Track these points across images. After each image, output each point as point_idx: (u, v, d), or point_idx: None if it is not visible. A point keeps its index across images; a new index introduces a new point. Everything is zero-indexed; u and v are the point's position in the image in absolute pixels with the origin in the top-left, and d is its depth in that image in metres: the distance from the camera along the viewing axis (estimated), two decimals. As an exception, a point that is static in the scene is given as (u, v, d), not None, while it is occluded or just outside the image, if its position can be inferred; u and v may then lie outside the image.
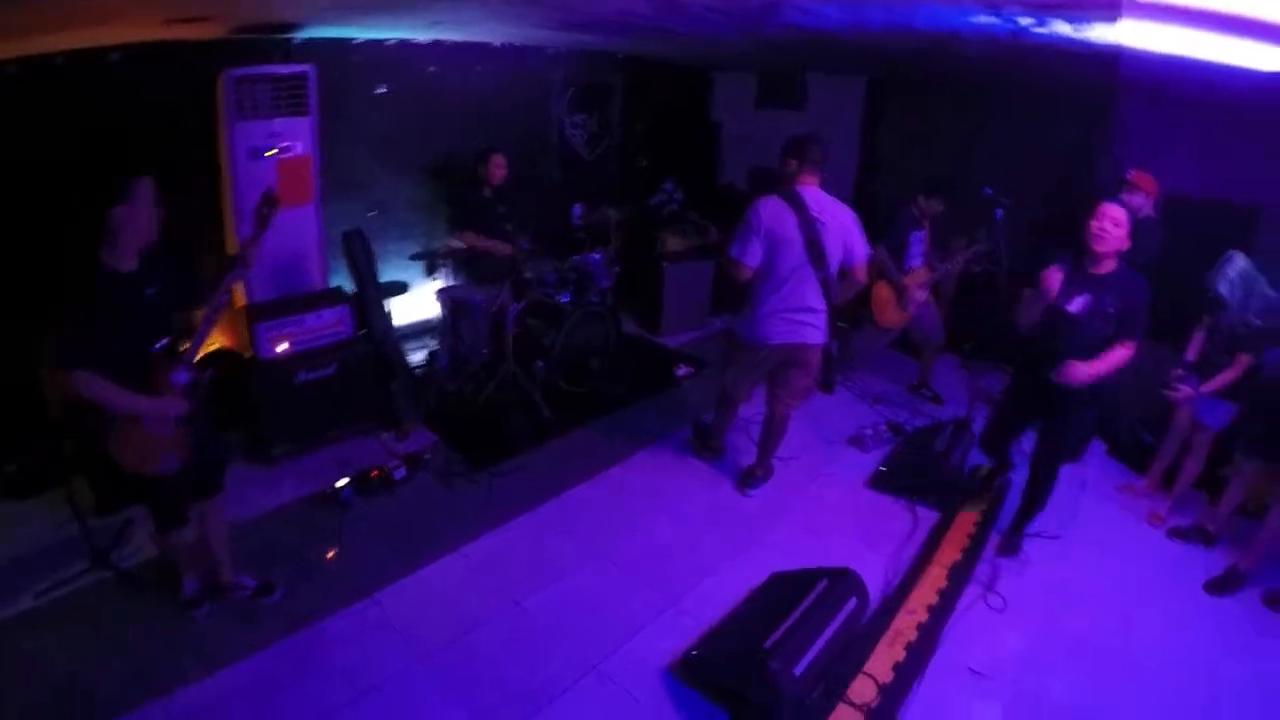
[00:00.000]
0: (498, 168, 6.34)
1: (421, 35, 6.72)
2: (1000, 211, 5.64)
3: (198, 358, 3.53)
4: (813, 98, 9.28)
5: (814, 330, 4.83)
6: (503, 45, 7.53)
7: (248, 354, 5.46)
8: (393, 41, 6.66)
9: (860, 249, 4.81)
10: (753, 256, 4.66)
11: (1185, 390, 4.88)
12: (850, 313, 7.01)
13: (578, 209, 7.51)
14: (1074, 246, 4.38)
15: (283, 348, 5.34)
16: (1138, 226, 5.27)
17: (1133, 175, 5.57)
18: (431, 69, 7.09)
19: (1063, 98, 6.97)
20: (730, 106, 10.20)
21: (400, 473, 5.20)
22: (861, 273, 4.89)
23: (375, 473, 5.14)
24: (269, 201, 3.64)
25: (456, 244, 6.15)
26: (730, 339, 5.25)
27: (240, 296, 5.60)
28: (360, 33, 6.28)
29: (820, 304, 4.78)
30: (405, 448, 5.55)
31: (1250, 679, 4.02)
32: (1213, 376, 4.86)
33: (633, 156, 9.65)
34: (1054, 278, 4.39)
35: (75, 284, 3.21)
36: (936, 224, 6.65)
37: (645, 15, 5.10)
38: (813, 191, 4.69)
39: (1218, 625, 4.41)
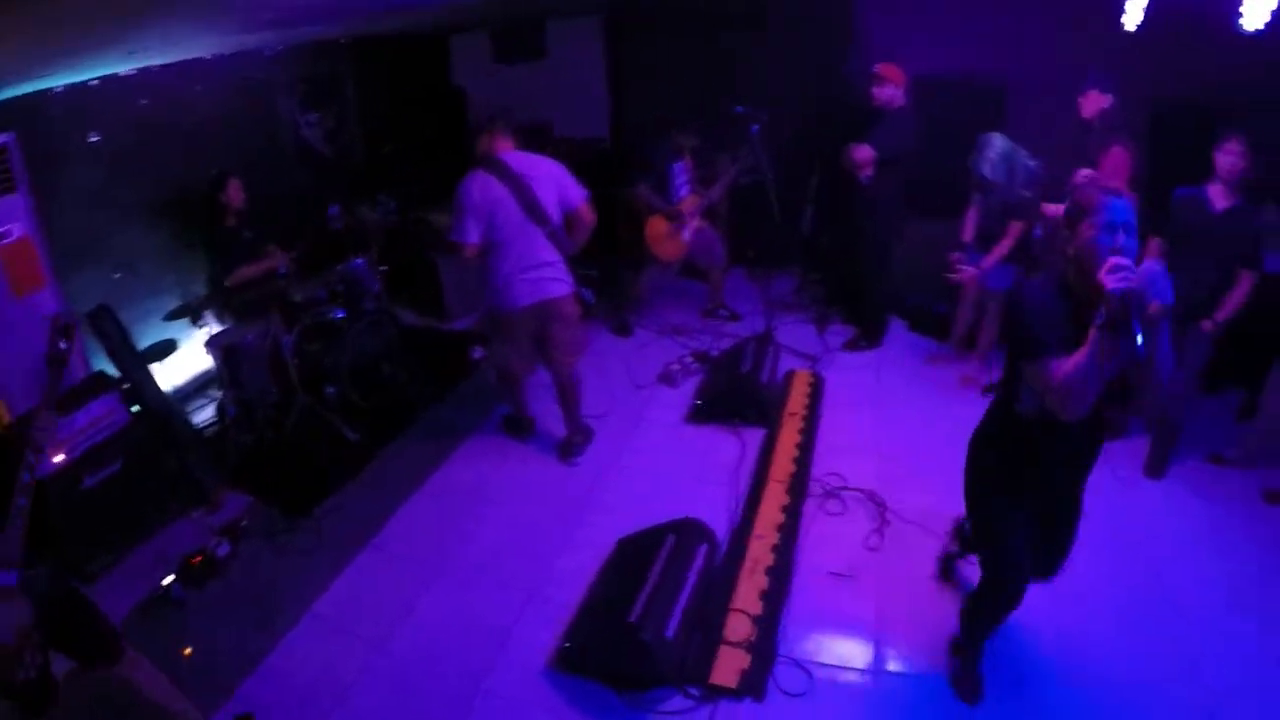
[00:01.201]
0: (235, 192, 5.89)
1: (123, 67, 6.14)
2: (756, 127, 5.74)
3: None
4: (553, 45, 9.16)
5: (556, 283, 4.94)
6: (214, 57, 6.98)
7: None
8: (95, 81, 6.06)
9: (575, 192, 4.94)
10: (469, 234, 4.75)
11: (968, 270, 5.22)
12: (630, 253, 7.03)
13: (333, 210, 7.17)
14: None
15: (59, 458, 4.85)
16: (892, 118, 5.49)
17: (879, 68, 5.74)
18: (144, 102, 6.48)
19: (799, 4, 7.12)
20: (471, 69, 9.86)
21: (223, 549, 4.79)
22: (587, 213, 4.98)
23: (197, 558, 4.71)
24: (63, 332, 2.96)
25: (235, 283, 5.83)
26: (489, 315, 5.27)
27: (3, 413, 5.02)
28: (56, 80, 5.66)
29: (553, 255, 4.90)
30: (220, 519, 5.17)
31: (1088, 501, 4.37)
32: (990, 249, 5.15)
33: (377, 144, 9.24)
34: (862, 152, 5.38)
35: None
36: (697, 150, 6.70)
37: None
38: (513, 154, 4.86)
39: None
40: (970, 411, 5.32)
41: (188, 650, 4.17)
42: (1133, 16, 5.04)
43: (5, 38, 3.41)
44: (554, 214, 4.85)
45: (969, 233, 5.43)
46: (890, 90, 5.69)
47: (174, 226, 6.69)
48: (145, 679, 3.34)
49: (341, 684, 3.84)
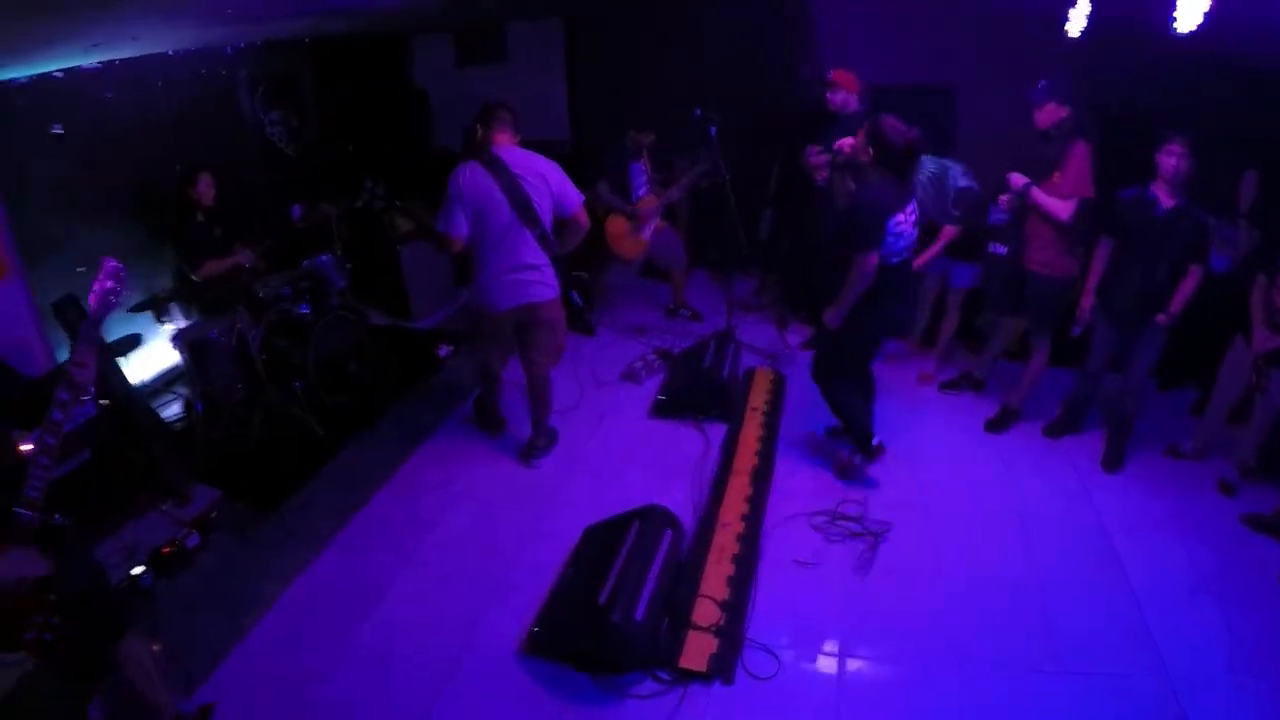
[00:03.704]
0: (205, 187, 5.91)
1: (86, 60, 6.12)
2: (714, 129, 5.83)
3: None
4: (514, 48, 9.25)
5: (542, 287, 4.86)
6: (176, 53, 6.96)
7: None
8: (60, 73, 6.04)
9: (572, 196, 4.81)
10: (459, 227, 4.67)
11: None
12: (591, 253, 7.11)
13: (296, 209, 7.17)
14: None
15: (27, 448, 4.84)
16: (846, 122, 5.65)
17: (833, 75, 5.91)
18: (109, 95, 6.45)
19: (756, 7, 7.25)
20: (432, 70, 9.93)
21: (193, 540, 4.80)
22: (581, 218, 4.87)
23: (167, 549, 4.71)
24: (113, 275, 2.96)
25: (203, 278, 5.87)
26: (471, 312, 5.21)
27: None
28: (20, 71, 5.64)
29: (541, 259, 4.80)
30: (189, 512, 5.17)
31: (1048, 496, 4.71)
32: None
33: (338, 143, 9.25)
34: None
35: None
36: (655, 151, 6.78)
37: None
38: (511, 150, 4.72)
39: (1003, 457, 5.08)
40: (924, 405, 5.58)
41: (156, 646, 4.18)
42: (1076, 24, 5.27)
43: None
44: (546, 215, 4.74)
45: None
46: (844, 95, 5.86)
47: (138, 220, 6.67)
48: (136, 661, 3.33)
49: (312, 673, 3.86)
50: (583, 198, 4.89)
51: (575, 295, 5.14)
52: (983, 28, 6.43)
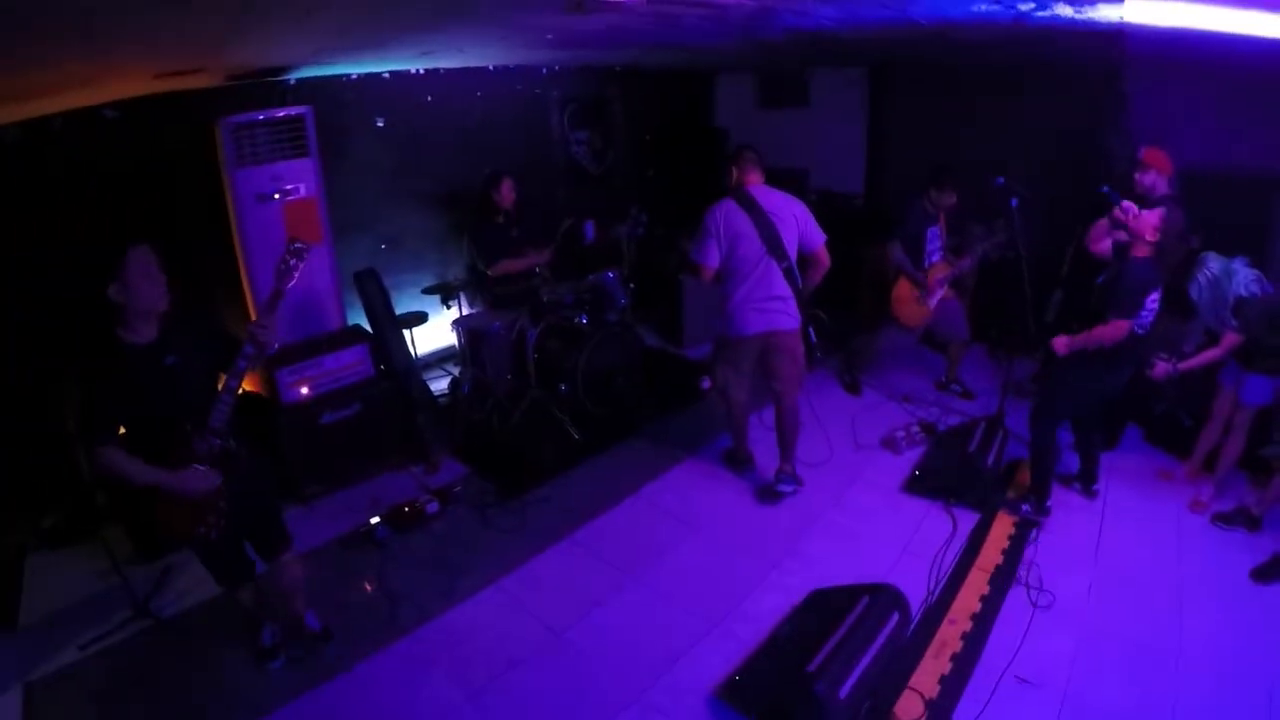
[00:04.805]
0: (508, 191, 6.35)
1: (414, 65, 6.70)
2: (1016, 200, 5.53)
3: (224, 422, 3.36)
4: (816, 92, 9.22)
5: (784, 316, 5.06)
6: (496, 68, 7.52)
7: (271, 398, 5.45)
8: (387, 74, 6.65)
9: (816, 235, 5.07)
10: (711, 258, 4.98)
11: (1162, 366, 5.02)
12: (870, 312, 6.93)
13: (589, 226, 7.46)
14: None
15: (305, 391, 5.34)
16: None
17: (1144, 153, 5.42)
18: (429, 98, 7.10)
19: (1071, 77, 6.85)
20: (733, 109, 10.16)
21: (433, 507, 5.18)
22: (823, 256, 5.10)
23: (408, 508, 5.12)
24: (295, 253, 3.43)
25: (496, 274, 6.34)
26: (717, 340, 5.40)
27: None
28: (354, 68, 6.26)
29: (786, 291, 5.02)
30: (436, 481, 5.51)
31: None
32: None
33: (639, 167, 9.59)
34: (1099, 233, 4.93)
35: (92, 359, 3.18)
36: (951, 216, 6.54)
37: (638, 30, 5.06)
38: (762, 189, 5.05)
39: (1265, 614, 4.27)
40: (1189, 540, 4.96)
41: (369, 585, 4.55)
42: None
43: (319, 27, 3.80)
44: (792, 251, 4.99)
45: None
46: (1153, 177, 5.30)
47: (442, 212, 7.25)
48: (286, 580, 3.90)
49: (511, 657, 4.01)
50: (825, 237, 5.12)
51: (812, 331, 5.13)
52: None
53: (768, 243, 4.91)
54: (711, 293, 7.98)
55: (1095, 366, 4.64)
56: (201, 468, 3.29)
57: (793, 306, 5.07)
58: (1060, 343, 4.65)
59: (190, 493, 3.27)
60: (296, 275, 3.43)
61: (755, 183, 5.06)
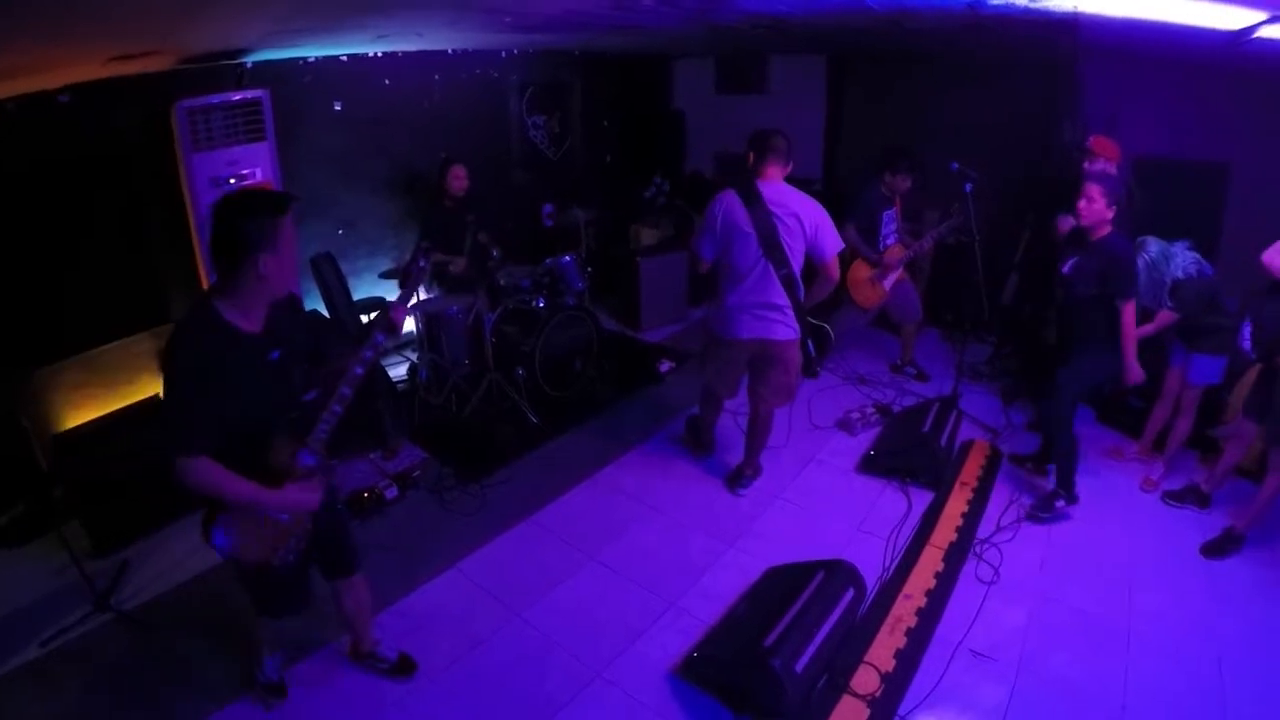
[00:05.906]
0: (456, 179, 6.37)
1: (372, 49, 6.66)
2: (970, 185, 5.62)
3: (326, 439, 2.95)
4: (774, 79, 9.26)
5: (782, 327, 4.74)
6: (454, 52, 7.49)
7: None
8: (345, 57, 6.60)
9: (829, 245, 4.63)
10: (706, 252, 4.74)
11: None
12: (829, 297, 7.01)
13: (547, 209, 7.48)
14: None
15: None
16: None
17: (1093, 142, 5.55)
18: (387, 81, 7.05)
19: (1024, 65, 6.97)
20: (691, 94, 10.17)
21: (391, 492, 5.17)
22: (833, 269, 4.70)
23: (367, 494, 5.10)
24: (424, 251, 3.26)
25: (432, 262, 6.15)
26: (708, 333, 5.16)
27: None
28: (312, 51, 6.20)
29: (784, 301, 4.69)
30: (394, 466, 5.49)
31: (1254, 642, 4.02)
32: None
33: (598, 153, 9.61)
34: (1065, 223, 5.10)
35: (186, 347, 2.56)
36: (907, 199, 6.62)
37: (594, 14, 5.04)
38: (775, 186, 4.62)
39: (1214, 589, 4.39)
40: (1140, 516, 5.09)
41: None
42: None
43: (267, 11, 3.78)
44: (796, 258, 4.62)
45: None
46: (1102, 164, 5.44)
47: (399, 196, 7.21)
48: (353, 602, 3.60)
49: (473, 637, 4.04)
50: (840, 247, 4.72)
51: (810, 345, 5.00)
52: (1274, 103, 5.84)
53: (765, 246, 4.54)
54: (671, 276, 8.13)
55: (1107, 353, 4.67)
56: (299, 485, 2.86)
57: (790, 317, 4.73)
58: (1136, 374, 4.67)
59: (291, 512, 2.92)
60: (422, 274, 3.29)
61: (773, 177, 4.61)
